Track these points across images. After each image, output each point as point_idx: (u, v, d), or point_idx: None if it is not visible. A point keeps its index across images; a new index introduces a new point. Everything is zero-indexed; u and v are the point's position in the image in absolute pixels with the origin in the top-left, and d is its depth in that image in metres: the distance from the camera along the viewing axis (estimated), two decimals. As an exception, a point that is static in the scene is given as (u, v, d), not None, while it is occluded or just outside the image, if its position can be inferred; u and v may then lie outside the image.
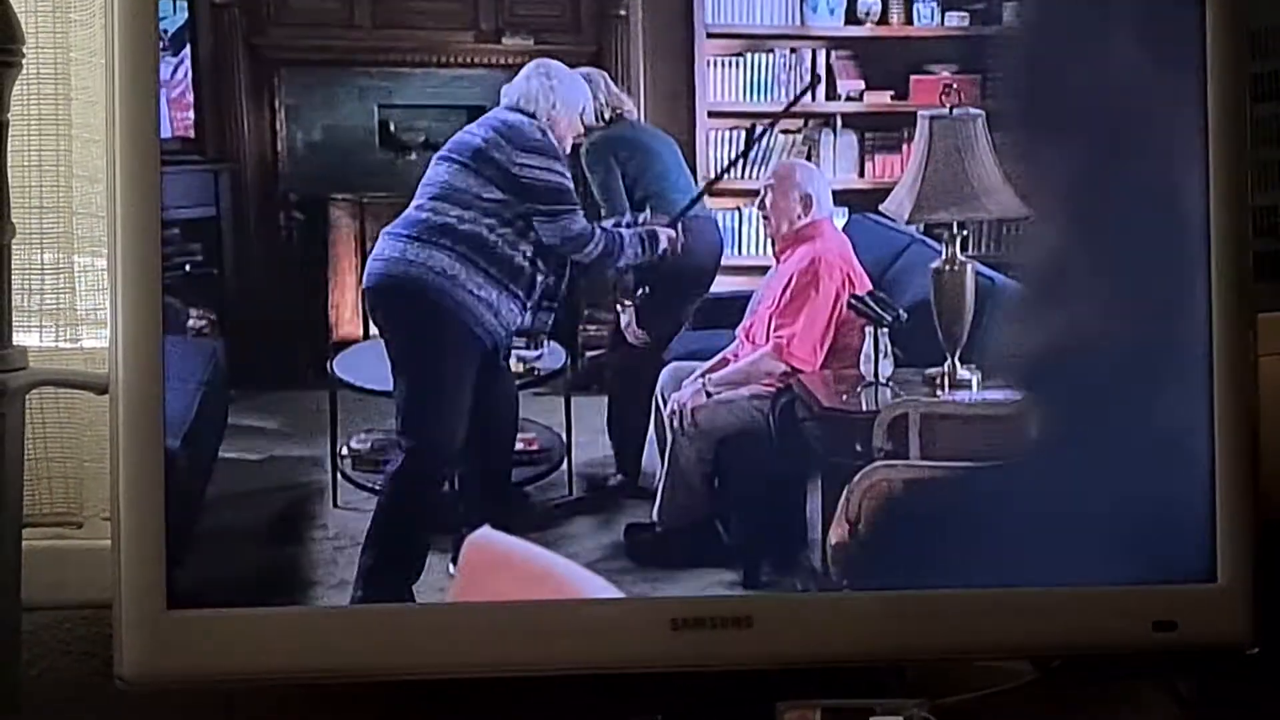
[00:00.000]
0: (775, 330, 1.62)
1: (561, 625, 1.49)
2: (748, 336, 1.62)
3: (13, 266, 1.49)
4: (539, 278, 1.59)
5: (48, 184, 1.74)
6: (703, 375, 1.61)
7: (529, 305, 1.59)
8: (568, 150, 1.60)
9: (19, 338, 1.52)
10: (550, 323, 1.60)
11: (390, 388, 1.56)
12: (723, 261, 1.64)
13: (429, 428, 1.57)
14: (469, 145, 1.57)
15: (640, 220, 1.61)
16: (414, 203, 1.57)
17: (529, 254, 1.58)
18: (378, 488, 1.55)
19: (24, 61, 1.50)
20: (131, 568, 1.43)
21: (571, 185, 1.60)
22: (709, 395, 1.61)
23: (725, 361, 1.62)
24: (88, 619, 1.68)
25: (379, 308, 1.58)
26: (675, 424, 1.60)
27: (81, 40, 1.75)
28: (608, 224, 1.61)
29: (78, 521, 1.75)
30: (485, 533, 1.51)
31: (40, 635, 1.67)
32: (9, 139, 1.49)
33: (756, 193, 1.63)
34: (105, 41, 1.45)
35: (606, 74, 1.59)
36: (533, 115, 1.58)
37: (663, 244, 1.61)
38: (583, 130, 1.60)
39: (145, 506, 1.43)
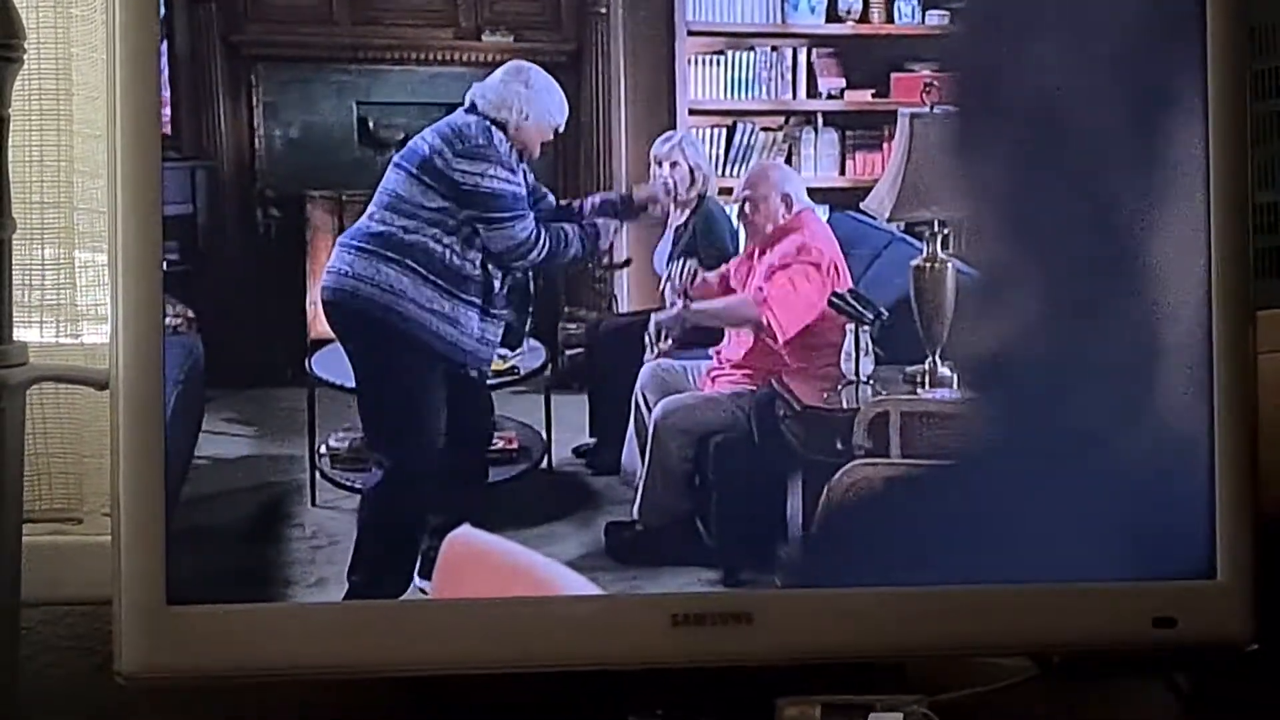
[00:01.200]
0: (757, 288, 1.62)
1: (560, 621, 1.49)
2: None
3: (13, 262, 1.49)
4: (494, 283, 1.58)
5: (48, 179, 1.74)
6: (683, 299, 1.61)
7: (491, 312, 1.58)
8: (535, 156, 1.59)
9: (19, 333, 1.52)
10: (527, 323, 1.60)
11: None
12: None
13: (401, 443, 1.56)
14: (416, 153, 1.56)
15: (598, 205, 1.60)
16: (367, 211, 1.55)
17: (478, 261, 1.57)
18: (357, 500, 1.55)
19: (25, 57, 1.49)
20: (131, 564, 1.43)
21: (520, 189, 1.58)
22: (685, 321, 1.61)
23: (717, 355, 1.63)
24: (87, 615, 1.69)
25: (334, 322, 1.56)
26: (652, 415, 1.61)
27: (82, 35, 1.76)
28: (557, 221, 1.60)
29: (78, 517, 1.76)
30: (465, 531, 1.51)
31: (40, 631, 1.67)
32: (10, 134, 1.48)
33: (733, 195, 1.63)
34: (106, 37, 1.45)
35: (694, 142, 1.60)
36: (499, 123, 1.57)
37: (605, 241, 1.60)
38: (552, 137, 1.59)
39: (145, 502, 1.43)
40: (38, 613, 1.64)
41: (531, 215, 1.58)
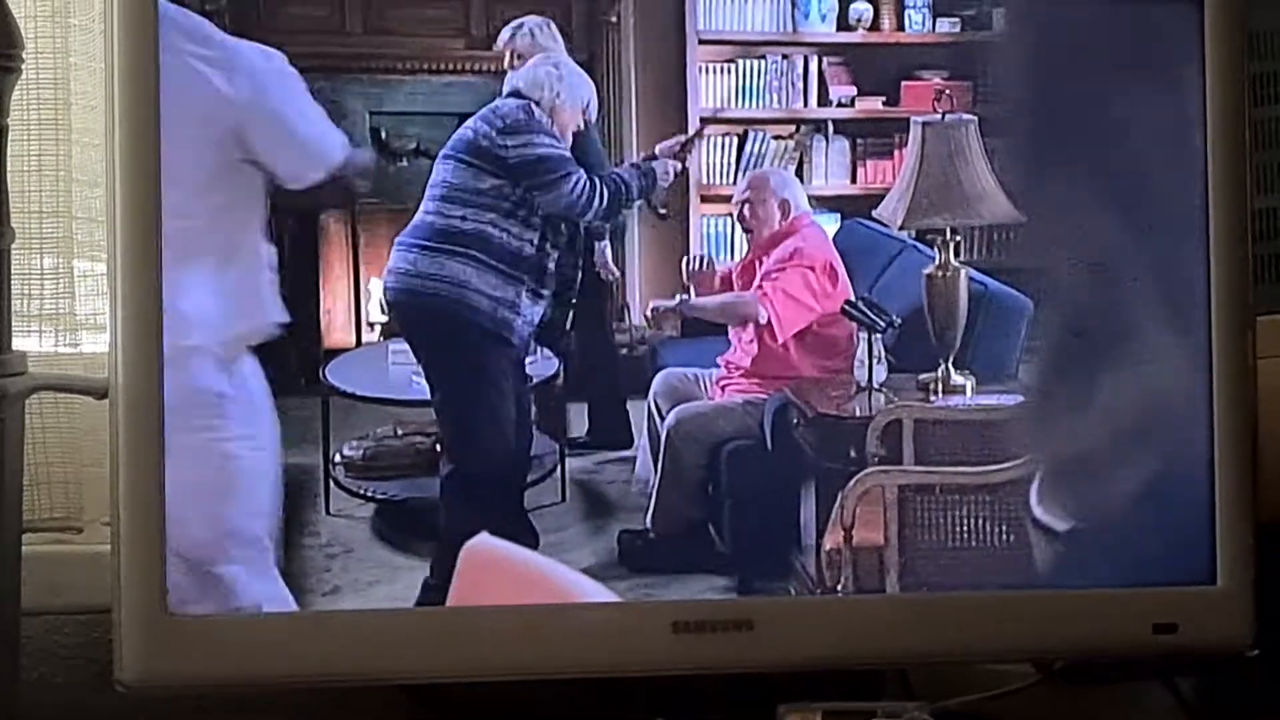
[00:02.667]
0: (758, 286, 1.63)
1: (562, 629, 1.49)
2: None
3: (12, 271, 1.49)
4: (549, 265, 1.58)
5: (47, 189, 1.74)
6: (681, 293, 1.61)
7: (544, 296, 1.58)
8: (569, 141, 1.59)
9: (18, 343, 1.52)
10: (569, 317, 1.60)
11: (419, 395, 1.57)
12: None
13: (477, 440, 1.56)
14: (463, 140, 1.57)
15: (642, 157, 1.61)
16: (421, 207, 1.56)
17: (535, 241, 1.58)
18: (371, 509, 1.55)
19: (24, 66, 1.49)
20: (131, 572, 1.43)
21: (565, 151, 1.59)
22: (684, 319, 1.61)
23: (726, 364, 1.63)
24: (87, 624, 1.69)
25: (401, 323, 1.58)
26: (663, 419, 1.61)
27: (81, 45, 1.76)
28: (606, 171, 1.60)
29: (77, 526, 1.75)
30: (482, 539, 1.51)
31: (40, 640, 1.67)
32: (9, 144, 1.48)
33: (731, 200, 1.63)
34: (105, 47, 1.44)
35: None
36: (535, 101, 1.58)
37: (665, 180, 1.60)
38: (583, 125, 1.59)
39: (145, 511, 1.43)
40: (38, 621, 1.64)
41: (580, 170, 1.58)
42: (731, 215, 1.64)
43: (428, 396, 1.57)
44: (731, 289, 1.64)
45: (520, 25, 1.56)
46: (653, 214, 1.61)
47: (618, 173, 1.60)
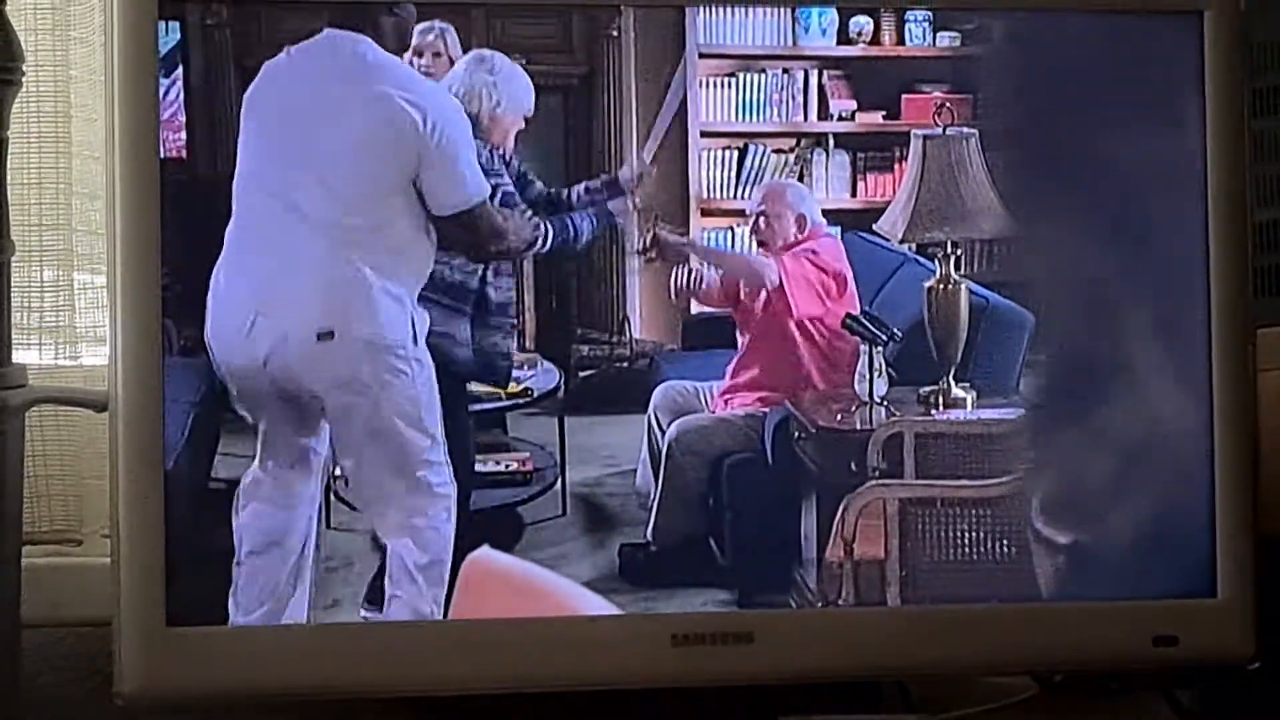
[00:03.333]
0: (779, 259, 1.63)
1: (562, 642, 1.49)
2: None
3: (12, 284, 1.49)
4: (490, 292, 1.57)
5: (47, 201, 1.74)
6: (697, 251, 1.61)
7: (493, 323, 1.58)
8: (510, 149, 1.58)
9: (18, 355, 1.52)
10: (517, 341, 1.58)
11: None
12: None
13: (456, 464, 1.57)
14: None
15: (588, 190, 1.59)
16: None
17: (478, 272, 1.57)
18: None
19: (24, 79, 1.50)
20: (131, 585, 1.43)
21: (507, 184, 1.58)
22: (691, 250, 1.60)
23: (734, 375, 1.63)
24: (87, 636, 1.68)
25: None
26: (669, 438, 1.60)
27: (81, 58, 1.76)
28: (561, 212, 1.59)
29: (77, 539, 1.75)
30: (484, 551, 1.51)
31: (40, 653, 1.67)
32: (9, 156, 1.49)
33: (746, 213, 1.63)
34: (105, 60, 1.45)
35: None
36: (471, 115, 1.55)
37: (621, 220, 1.59)
38: (523, 125, 1.58)
39: (145, 524, 1.43)
40: (38, 634, 1.64)
41: (525, 208, 1.58)
42: (733, 228, 1.63)
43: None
44: (726, 301, 1.63)
45: (431, 27, 1.54)
46: (637, 256, 1.61)
47: (570, 218, 1.58)
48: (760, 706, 1.57)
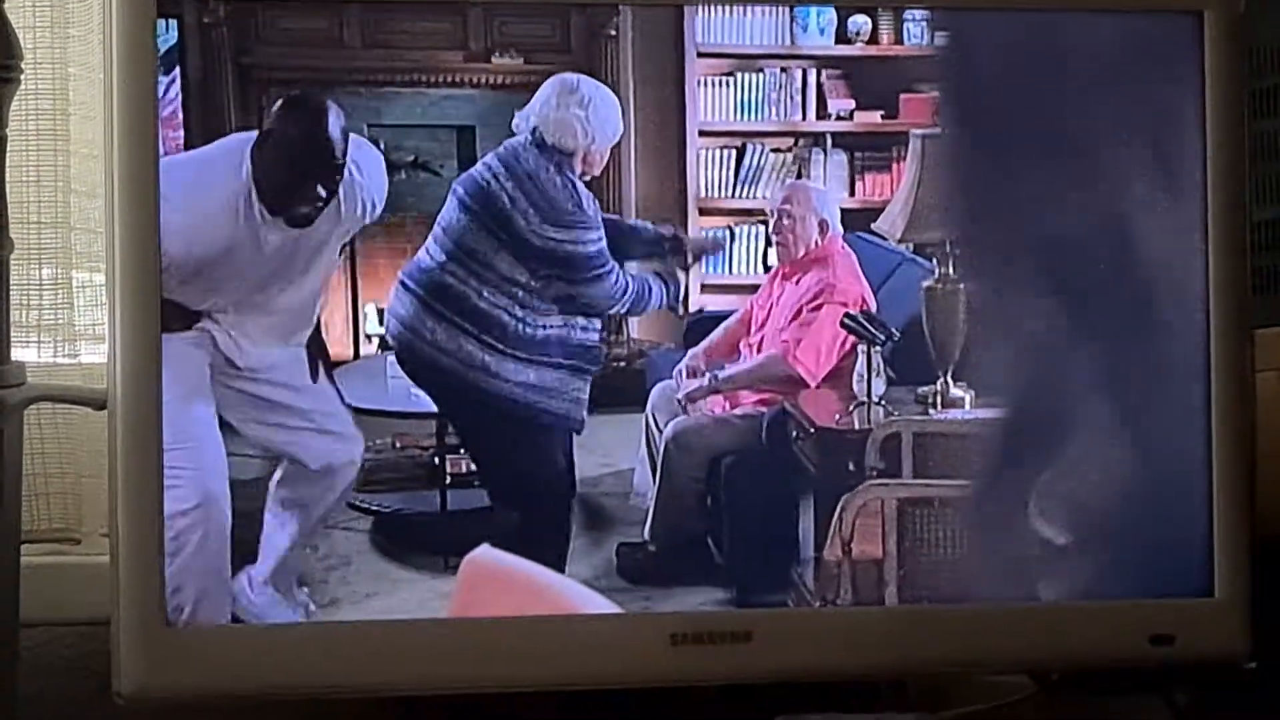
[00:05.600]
0: (782, 338, 1.62)
1: (561, 641, 1.49)
2: (755, 351, 1.63)
3: (11, 282, 1.49)
4: (573, 336, 1.56)
5: (46, 199, 1.74)
6: (707, 364, 1.61)
7: (577, 368, 1.57)
8: (596, 174, 1.58)
9: (17, 353, 1.52)
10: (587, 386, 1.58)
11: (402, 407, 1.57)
12: (714, 280, 1.64)
13: (525, 496, 1.57)
14: (488, 197, 1.55)
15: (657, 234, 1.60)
16: (427, 244, 1.55)
17: (555, 323, 1.56)
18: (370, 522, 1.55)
19: (23, 77, 1.50)
20: (130, 584, 1.43)
21: (603, 241, 1.57)
22: (716, 390, 1.61)
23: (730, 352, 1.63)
24: (86, 635, 1.68)
25: (415, 376, 1.56)
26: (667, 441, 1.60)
27: (80, 56, 1.76)
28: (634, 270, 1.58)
29: (76, 538, 1.75)
30: (484, 550, 1.51)
31: (38, 652, 1.67)
32: (7, 154, 1.49)
33: (749, 212, 1.63)
34: (103, 57, 1.45)
35: None
36: (566, 154, 1.55)
37: (681, 290, 1.60)
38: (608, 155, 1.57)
39: (144, 522, 1.43)
40: (36, 633, 1.64)
41: (616, 267, 1.57)
42: (730, 227, 1.63)
43: (426, 409, 1.57)
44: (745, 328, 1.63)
45: None
46: (670, 313, 1.62)
47: (648, 279, 1.59)
48: (758, 705, 1.57)
